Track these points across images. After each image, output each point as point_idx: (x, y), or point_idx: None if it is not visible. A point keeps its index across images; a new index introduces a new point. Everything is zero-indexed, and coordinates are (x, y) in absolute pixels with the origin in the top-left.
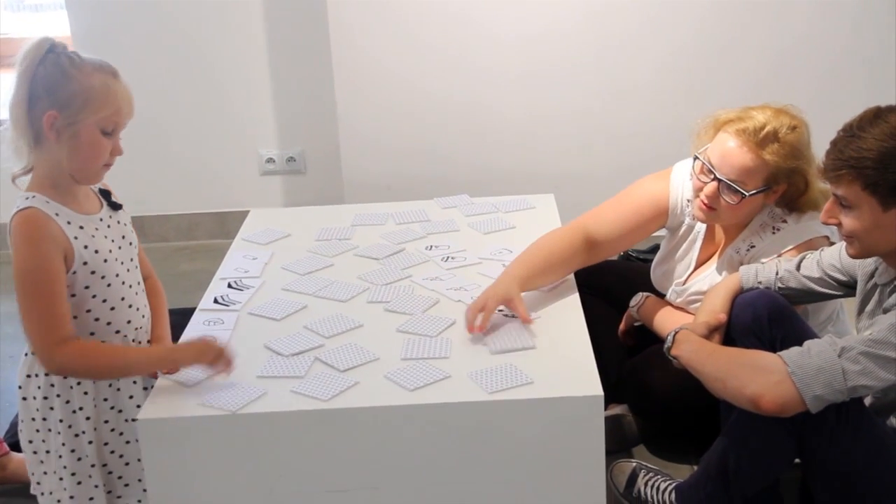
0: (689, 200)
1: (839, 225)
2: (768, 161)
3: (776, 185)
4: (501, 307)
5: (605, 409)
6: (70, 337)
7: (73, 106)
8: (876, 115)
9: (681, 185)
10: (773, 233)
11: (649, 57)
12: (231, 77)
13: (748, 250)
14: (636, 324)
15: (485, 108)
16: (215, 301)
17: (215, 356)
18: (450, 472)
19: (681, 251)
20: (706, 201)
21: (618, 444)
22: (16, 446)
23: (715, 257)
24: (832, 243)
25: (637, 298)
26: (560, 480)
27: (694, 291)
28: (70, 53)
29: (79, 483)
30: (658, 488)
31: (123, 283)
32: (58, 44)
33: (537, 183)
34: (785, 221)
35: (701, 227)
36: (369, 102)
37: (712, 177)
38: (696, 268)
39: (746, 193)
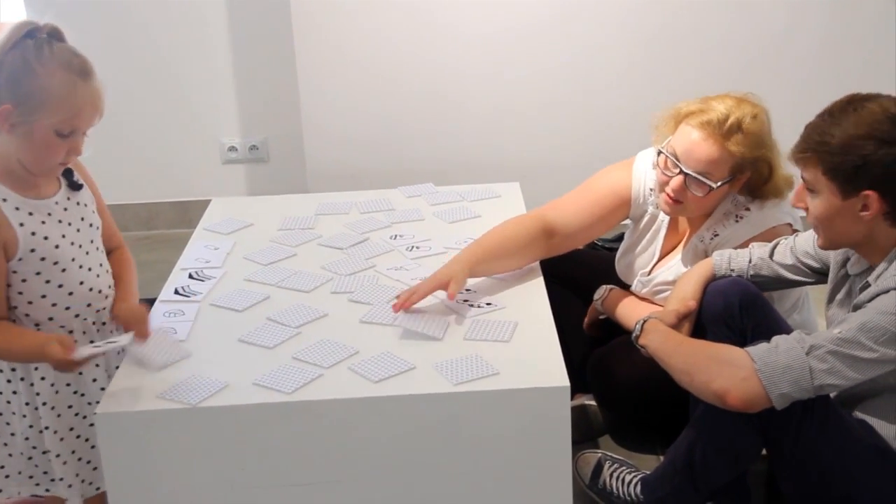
0: (651, 189)
1: (807, 209)
2: (734, 152)
3: (740, 175)
4: (463, 290)
5: (571, 399)
6: None
7: (29, 104)
8: (848, 103)
9: (643, 174)
10: (737, 221)
11: (616, 47)
12: (192, 64)
13: (712, 239)
14: (601, 317)
15: (450, 96)
16: (176, 292)
17: (58, 351)
18: (415, 464)
19: (644, 241)
20: (672, 195)
21: (583, 434)
22: None
23: (680, 247)
24: (795, 230)
25: (601, 291)
26: (527, 472)
27: (659, 282)
28: (42, 44)
29: (50, 461)
30: (623, 480)
31: (81, 266)
32: (40, 28)
33: (503, 172)
34: (748, 209)
35: (665, 217)
36: (332, 90)
37: (678, 170)
38: (660, 258)
39: (714, 185)
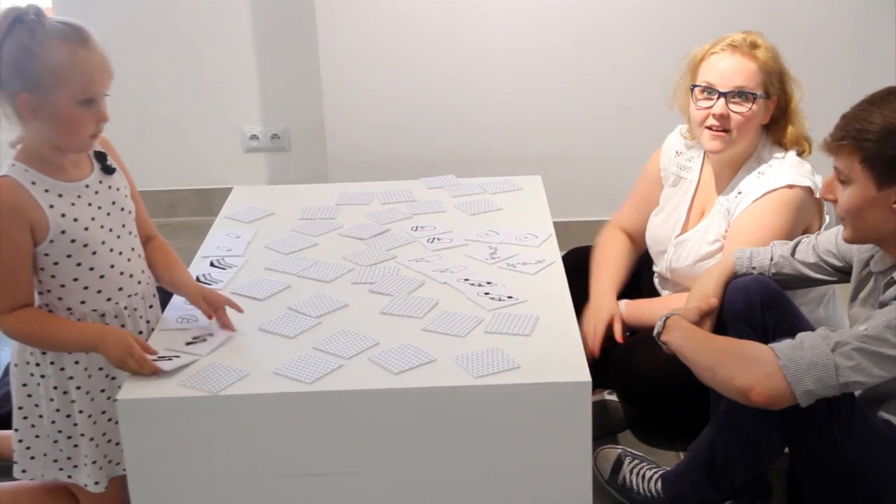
0: (678, 152)
1: (836, 202)
2: (763, 60)
3: (772, 93)
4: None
5: (591, 394)
6: (24, 305)
7: (42, 86)
8: (889, 93)
9: (671, 144)
10: (758, 177)
11: (637, 38)
12: (216, 53)
13: (737, 196)
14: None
15: (472, 87)
16: (197, 279)
17: (135, 367)
18: (434, 457)
19: (673, 203)
20: (718, 123)
21: (603, 429)
22: (1, 422)
23: (709, 209)
24: (811, 191)
25: (619, 307)
26: (547, 466)
27: (694, 243)
28: (34, 25)
29: (75, 446)
30: (644, 476)
31: (112, 250)
32: (25, 11)
33: (525, 164)
34: (770, 166)
35: (691, 178)
36: (355, 79)
37: (716, 95)
38: (687, 219)
39: (756, 94)
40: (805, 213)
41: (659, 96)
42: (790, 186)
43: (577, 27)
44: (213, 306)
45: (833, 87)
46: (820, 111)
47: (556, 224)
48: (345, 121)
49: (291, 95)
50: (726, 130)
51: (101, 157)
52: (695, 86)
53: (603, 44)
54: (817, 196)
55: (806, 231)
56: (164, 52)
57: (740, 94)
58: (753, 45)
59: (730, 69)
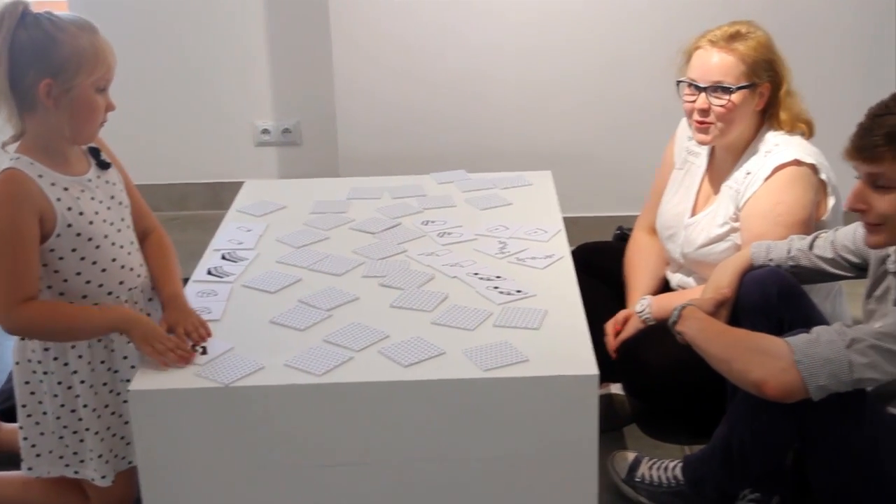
0: (689, 137)
1: (865, 211)
2: (742, 52)
3: (759, 81)
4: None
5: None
6: (31, 298)
7: (67, 71)
8: None
9: (683, 130)
10: (766, 156)
11: (647, 33)
12: (228, 47)
13: (745, 176)
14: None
15: (484, 82)
16: (209, 272)
17: (163, 350)
18: (442, 448)
19: (685, 186)
20: (699, 117)
21: (609, 423)
22: (5, 415)
23: (717, 193)
24: (816, 169)
25: (643, 304)
26: (554, 458)
27: (702, 229)
28: (48, 16)
29: (81, 441)
30: (666, 468)
31: (113, 244)
32: (29, 4)
33: (536, 159)
34: (777, 145)
35: (699, 161)
36: (367, 75)
37: (699, 90)
38: (696, 201)
39: (732, 87)
40: (816, 190)
41: (669, 91)
42: (798, 162)
43: (587, 23)
44: (178, 327)
45: (837, 78)
46: (826, 103)
47: (565, 220)
48: (356, 116)
49: (303, 91)
50: (712, 123)
51: (94, 152)
52: (680, 81)
53: (612, 40)
54: (821, 177)
55: (815, 209)
56: (178, 45)
57: (718, 89)
58: (733, 38)
59: (707, 65)
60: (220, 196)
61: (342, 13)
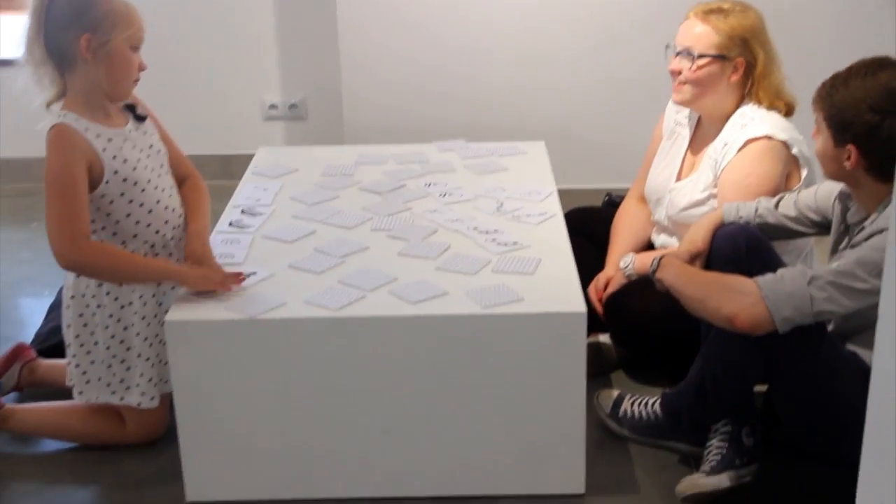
0: (678, 110)
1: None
2: (716, 25)
3: (731, 55)
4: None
5: (587, 336)
6: (86, 237)
7: (104, 27)
8: (868, 65)
9: (672, 107)
10: (741, 129)
11: (641, 12)
12: (237, 27)
13: (723, 147)
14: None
15: (484, 58)
16: (230, 224)
17: (219, 283)
18: (445, 378)
19: (671, 153)
20: (673, 78)
21: (597, 369)
22: (44, 353)
23: (700, 161)
24: (787, 146)
25: (627, 260)
26: (546, 389)
27: (686, 193)
28: None
29: (128, 369)
30: (647, 403)
31: (156, 187)
32: None
33: (530, 133)
34: (753, 119)
35: (684, 132)
36: (371, 54)
37: (675, 55)
38: (681, 168)
39: (694, 54)
40: (786, 163)
41: (658, 70)
42: (769, 137)
43: (581, 4)
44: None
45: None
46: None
47: (557, 192)
48: (360, 92)
49: (309, 68)
50: (683, 83)
51: (130, 108)
52: (668, 46)
53: (604, 22)
54: (793, 152)
55: (788, 180)
56: (189, 23)
57: (687, 53)
58: (713, 12)
59: (684, 31)
60: (230, 167)
61: None
